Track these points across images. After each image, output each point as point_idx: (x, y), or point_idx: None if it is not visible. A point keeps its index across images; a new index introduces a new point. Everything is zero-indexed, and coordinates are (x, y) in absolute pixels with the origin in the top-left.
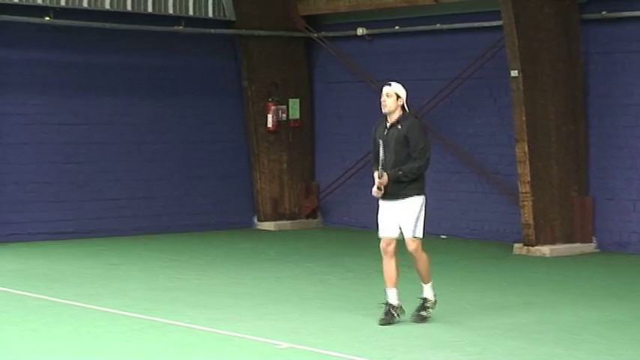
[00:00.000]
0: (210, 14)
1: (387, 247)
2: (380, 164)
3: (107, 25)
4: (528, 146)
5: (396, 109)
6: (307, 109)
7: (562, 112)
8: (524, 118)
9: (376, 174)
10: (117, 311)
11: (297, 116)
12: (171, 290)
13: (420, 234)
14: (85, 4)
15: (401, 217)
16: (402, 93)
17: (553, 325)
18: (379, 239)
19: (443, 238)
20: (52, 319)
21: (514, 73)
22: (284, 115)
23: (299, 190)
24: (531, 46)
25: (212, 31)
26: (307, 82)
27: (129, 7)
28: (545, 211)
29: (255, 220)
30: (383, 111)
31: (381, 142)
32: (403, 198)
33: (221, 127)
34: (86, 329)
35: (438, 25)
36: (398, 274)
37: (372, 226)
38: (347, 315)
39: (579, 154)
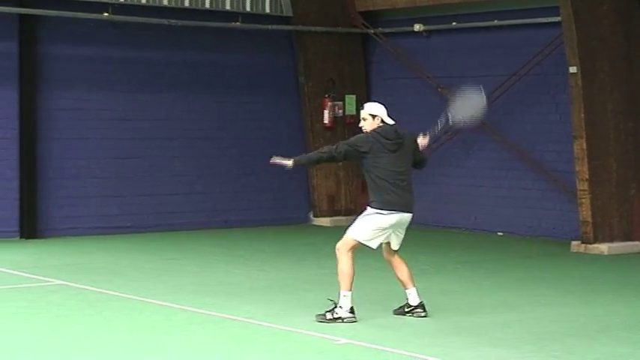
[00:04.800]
0: (268, 10)
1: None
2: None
3: (165, 21)
4: (587, 143)
5: (377, 128)
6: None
7: (621, 109)
8: (582, 115)
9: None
10: (174, 305)
11: (354, 112)
12: (228, 285)
13: (350, 234)
14: (143, 0)
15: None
16: (377, 111)
17: (612, 323)
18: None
19: (499, 235)
20: (111, 312)
21: (572, 69)
22: (340, 112)
23: (355, 186)
24: (590, 43)
25: (269, 27)
26: (364, 78)
27: (186, 4)
28: (604, 208)
29: (311, 216)
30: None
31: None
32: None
33: (277, 124)
34: (144, 323)
35: (496, 21)
36: (408, 274)
37: (428, 222)
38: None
39: (638, 152)
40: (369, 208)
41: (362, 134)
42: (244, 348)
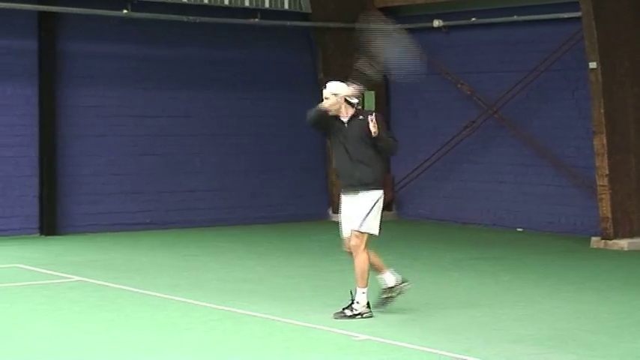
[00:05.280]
0: (286, 6)
1: (349, 247)
2: (348, 152)
3: (184, 17)
4: (607, 139)
5: (339, 107)
6: (382, 101)
7: None
8: (602, 111)
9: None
10: (194, 302)
11: (373, 108)
12: (247, 281)
13: (365, 229)
14: None
15: (354, 210)
16: (339, 89)
17: (632, 320)
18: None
19: (519, 231)
20: (131, 309)
21: (592, 64)
22: (359, 108)
23: None
24: (610, 38)
25: (288, 23)
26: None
27: (205, 1)
28: (624, 204)
29: (330, 212)
30: (329, 114)
31: (343, 137)
32: (361, 190)
33: (296, 120)
34: (164, 319)
35: (515, 17)
36: (380, 260)
37: (447, 218)
38: (424, 308)
39: None
40: (375, 191)
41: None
42: (264, 344)
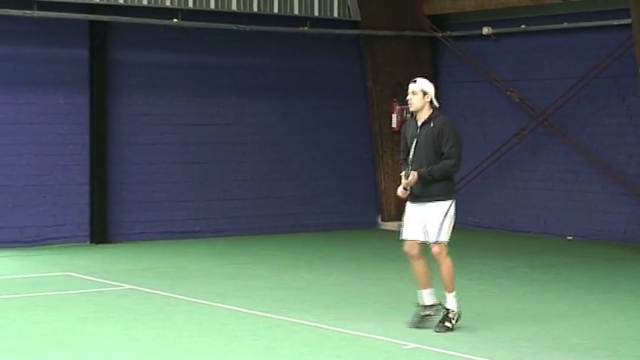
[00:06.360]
0: (336, 14)
1: (409, 250)
2: (409, 164)
3: (234, 26)
4: None
5: (423, 106)
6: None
7: None
8: None
9: (403, 173)
10: (244, 310)
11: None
12: (297, 289)
13: (443, 238)
14: (212, 6)
15: (427, 221)
16: (429, 89)
17: None
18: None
19: (569, 240)
20: (181, 317)
21: None
22: (408, 115)
23: None
24: None
25: (337, 31)
26: (432, 81)
27: (255, 9)
28: None
29: (379, 220)
30: (410, 109)
31: (415, 141)
32: (431, 201)
33: (346, 128)
34: (214, 327)
35: (565, 24)
36: (429, 274)
37: (497, 226)
38: (473, 316)
39: None
40: (448, 200)
41: (452, 124)
42: (313, 352)
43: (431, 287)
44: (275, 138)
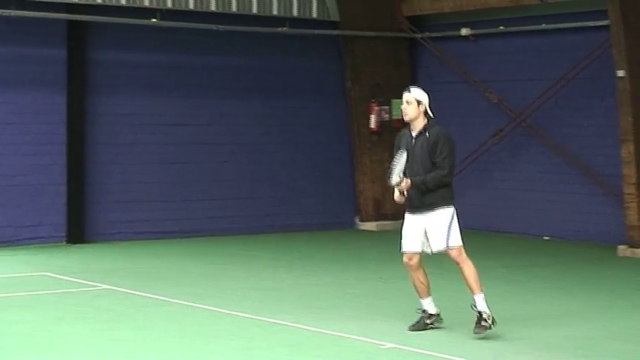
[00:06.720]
0: (315, 15)
1: (409, 261)
2: (399, 173)
3: (213, 26)
4: (635, 147)
5: (417, 116)
6: None
7: None
8: (630, 119)
9: (393, 179)
10: (222, 310)
11: (400, 117)
12: (275, 290)
13: (455, 242)
14: (191, 6)
15: (429, 231)
16: (423, 98)
17: None
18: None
19: (545, 240)
20: (158, 317)
21: (620, 73)
22: (387, 116)
23: None
24: (638, 46)
25: (316, 31)
26: (411, 82)
27: (234, 9)
28: None
29: (357, 221)
30: (405, 119)
31: (406, 152)
32: (431, 210)
33: (324, 128)
34: (192, 328)
35: (544, 25)
36: (428, 284)
37: (476, 227)
38: (452, 316)
39: None
40: (448, 207)
41: (447, 134)
42: (292, 352)
43: (431, 296)
44: (254, 138)
